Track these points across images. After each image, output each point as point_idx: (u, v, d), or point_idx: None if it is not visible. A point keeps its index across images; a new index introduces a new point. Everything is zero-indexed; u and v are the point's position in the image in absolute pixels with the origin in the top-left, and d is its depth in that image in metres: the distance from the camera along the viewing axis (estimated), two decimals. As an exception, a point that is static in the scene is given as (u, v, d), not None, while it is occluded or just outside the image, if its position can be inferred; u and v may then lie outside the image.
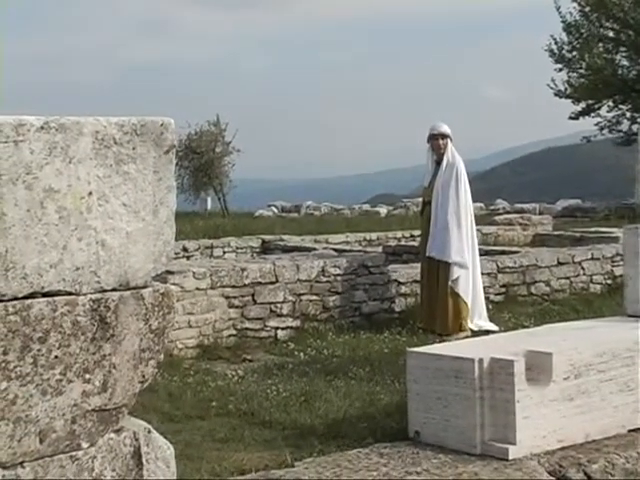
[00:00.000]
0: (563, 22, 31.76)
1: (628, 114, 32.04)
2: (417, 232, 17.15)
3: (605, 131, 32.77)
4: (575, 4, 31.46)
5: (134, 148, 2.39)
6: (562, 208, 26.21)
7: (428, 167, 9.05)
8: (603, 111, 32.11)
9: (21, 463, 2.25)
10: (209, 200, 28.06)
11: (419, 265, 10.39)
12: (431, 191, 8.90)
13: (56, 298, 2.27)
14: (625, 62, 31.83)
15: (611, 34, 31.49)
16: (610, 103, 31.89)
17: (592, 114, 32.18)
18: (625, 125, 32.19)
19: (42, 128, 2.23)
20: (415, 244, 13.82)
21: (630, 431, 4.50)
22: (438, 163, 8.90)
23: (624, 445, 4.28)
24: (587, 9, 31.22)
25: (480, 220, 22.04)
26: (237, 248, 14.97)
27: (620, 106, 31.99)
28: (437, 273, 8.86)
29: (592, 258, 11.22)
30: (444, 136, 8.85)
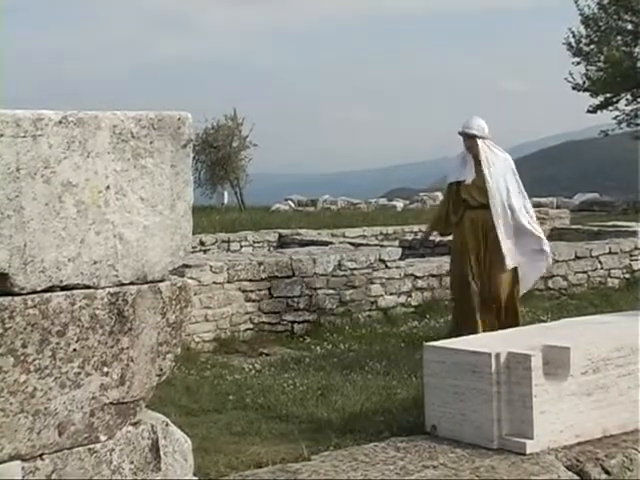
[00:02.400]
0: (581, 15, 31.60)
1: (646, 107, 31.86)
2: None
3: (623, 125, 32.57)
4: (593, -3, 31.29)
5: (151, 142, 2.40)
6: (580, 202, 26.10)
7: (465, 162, 7.93)
8: (621, 104, 31.95)
9: (40, 455, 2.26)
10: (226, 194, 28.12)
11: (436, 259, 10.38)
12: (480, 192, 7.75)
13: (74, 292, 2.28)
14: (643, 55, 31.63)
15: (629, 27, 31.28)
16: (628, 96, 31.70)
17: (610, 107, 31.99)
18: (643, 119, 32.01)
19: (60, 122, 2.24)
20: (432, 238, 13.78)
21: (648, 426, 4.47)
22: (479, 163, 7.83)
23: (642, 440, 4.26)
24: (605, 2, 31.03)
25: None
26: (254, 242, 15.00)
27: (638, 99, 31.78)
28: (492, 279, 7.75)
29: (610, 252, 11.16)
30: (470, 136, 7.83)
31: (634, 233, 11.77)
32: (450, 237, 8.51)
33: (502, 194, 7.67)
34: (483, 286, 7.73)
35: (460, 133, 7.90)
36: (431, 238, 10.61)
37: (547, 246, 7.87)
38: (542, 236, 7.85)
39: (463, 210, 7.89)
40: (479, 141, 7.77)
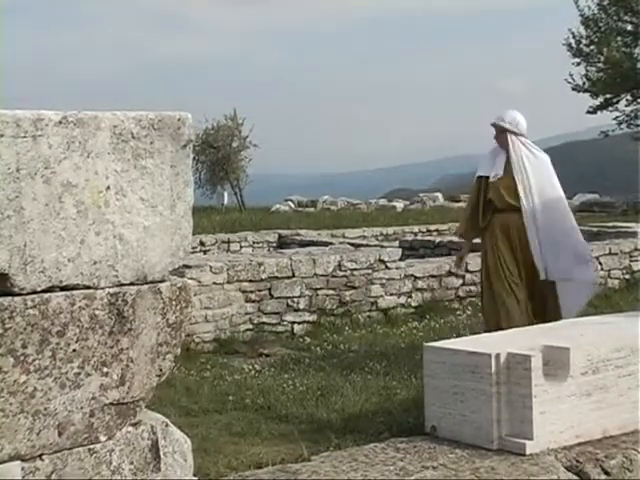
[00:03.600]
0: (581, 16, 31.60)
1: (646, 108, 31.87)
2: (433, 227, 17.21)
3: (623, 125, 32.58)
4: (593, -3, 31.31)
5: (152, 142, 2.40)
6: (580, 203, 26.10)
7: (494, 158, 6.97)
8: (621, 105, 31.97)
9: (40, 456, 2.26)
10: (226, 195, 28.13)
11: (436, 260, 10.37)
12: (500, 190, 6.83)
13: (74, 292, 2.28)
14: (643, 56, 31.65)
15: (629, 27, 31.29)
16: (628, 97, 31.71)
17: (610, 108, 32.00)
18: (643, 119, 32.04)
19: (60, 123, 2.24)
20: (431, 238, 13.81)
21: (648, 427, 4.47)
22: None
23: (642, 441, 4.26)
24: (605, 2, 31.03)
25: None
26: (254, 242, 15.00)
27: (638, 100, 31.80)
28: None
29: (610, 253, 11.17)
30: (503, 130, 6.90)
31: (634, 234, 11.78)
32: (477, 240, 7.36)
33: (535, 196, 6.66)
34: (526, 313, 6.59)
35: (492, 124, 6.99)
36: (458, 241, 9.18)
37: (592, 262, 6.85)
38: (587, 249, 6.91)
39: (491, 213, 6.89)
40: (510, 136, 6.84)
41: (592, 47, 31.57)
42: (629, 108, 31.98)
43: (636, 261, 11.15)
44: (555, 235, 6.61)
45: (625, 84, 30.63)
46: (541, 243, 6.58)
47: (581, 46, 31.81)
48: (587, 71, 31.88)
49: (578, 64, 31.87)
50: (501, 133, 6.86)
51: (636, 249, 11.16)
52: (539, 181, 6.70)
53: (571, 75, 32.00)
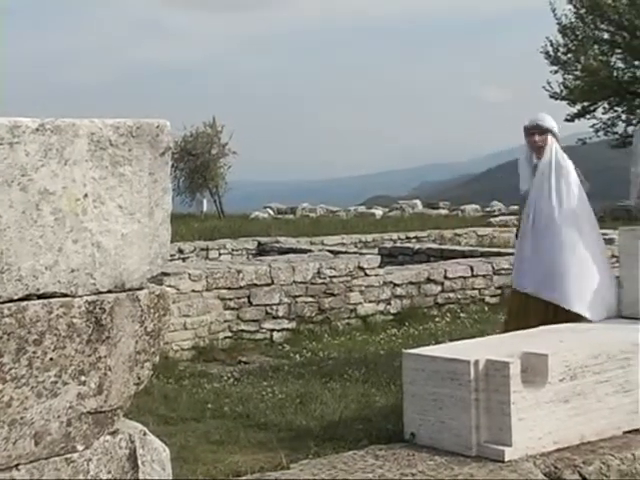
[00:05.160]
0: (559, 24, 31.84)
1: (623, 116, 32.14)
2: (412, 233, 17.25)
3: (600, 133, 32.85)
4: (570, 6, 31.56)
5: (130, 150, 2.39)
6: (557, 210, 26.21)
7: (526, 169, 6.56)
8: (598, 113, 32.25)
9: (16, 466, 2.24)
10: (205, 202, 28.08)
11: (415, 267, 10.38)
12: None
13: (51, 300, 2.27)
14: (620, 64, 31.94)
15: (606, 36, 31.57)
16: (605, 105, 31.99)
17: (587, 116, 32.26)
18: (620, 127, 32.30)
19: (37, 130, 2.23)
20: (410, 245, 13.85)
21: (626, 433, 4.50)
22: (536, 166, 6.44)
23: (619, 447, 4.29)
24: (582, 11, 31.28)
25: (475, 222, 22.17)
26: (233, 250, 14.98)
27: (615, 108, 32.08)
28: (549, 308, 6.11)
29: (587, 260, 11.21)
30: (543, 131, 6.44)
31: (611, 241, 11.84)
32: None
33: (544, 203, 6.23)
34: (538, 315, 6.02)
35: (530, 127, 6.47)
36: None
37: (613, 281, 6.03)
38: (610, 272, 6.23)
39: None
40: (552, 138, 6.41)
41: (569, 55, 31.82)
42: (606, 116, 32.28)
43: (614, 268, 11.21)
44: (544, 246, 6.17)
45: (602, 92, 30.89)
46: (529, 252, 6.25)
47: (559, 54, 32.05)
48: (565, 79, 32.13)
49: (556, 72, 32.12)
50: (540, 135, 6.42)
51: (613, 256, 11.22)
52: (558, 190, 6.23)
53: (549, 83, 32.27)
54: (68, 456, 2.32)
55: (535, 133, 6.44)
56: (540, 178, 6.31)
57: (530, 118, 6.56)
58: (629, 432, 4.51)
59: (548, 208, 6.19)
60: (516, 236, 6.80)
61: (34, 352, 2.23)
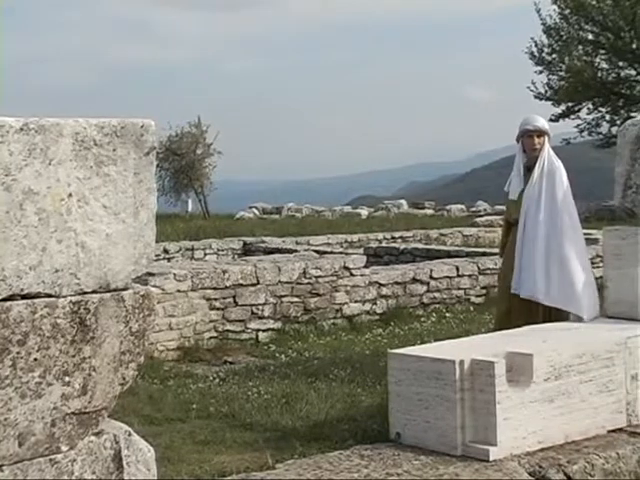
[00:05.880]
0: (543, 25, 31.97)
1: (607, 116, 32.30)
2: (397, 234, 17.27)
3: (585, 133, 32.99)
4: (555, 7, 31.69)
5: (114, 150, 2.38)
6: (542, 210, 26.30)
7: (519, 173, 6.49)
8: (583, 113, 32.39)
9: (0, 467, 2.23)
10: (190, 202, 28.03)
11: (400, 267, 10.40)
12: (520, 207, 6.33)
13: (35, 300, 2.26)
14: (604, 65, 32.10)
15: (590, 37, 31.72)
16: (590, 105, 32.13)
17: (572, 116, 32.40)
18: (604, 127, 32.46)
19: (21, 130, 2.22)
20: (396, 245, 13.87)
21: (610, 432, 4.52)
22: (529, 169, 6.41)
23: (604, 446, 4.31)
24: (567, 12, 31.42)
25: (461, 222, 22.21)
26: (218, 250, 14.96)
27: (599, 109, 32.23)
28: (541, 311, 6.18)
29: (572, 259, 11.24)
30: (542, 133, 6.44)
31: (596, 240, 11.89)
32: None
33: (535, 208, 6.22)
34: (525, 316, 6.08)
35: (527, 131, 6.46)
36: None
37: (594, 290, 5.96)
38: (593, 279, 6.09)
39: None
40: (546, 141, 6.44)
41: (554, 56, 31.95)
42: (590, 116, 32.43)
43: (598, 268, 11.26)
44: (547, 251, 6.13)
45: (586, 92, 31.03)
46: (523, 257, 6.21)
47: (543, 55, 32.18)
48: (549, 79, 32.27)
49: (540, 72, 32.25)
50: (538, 137, 6.43)
51: (598, 255, 11.27)
52: (549, 192, 6.24)
53: (533, 83, 32.40)
54: (52, 457, 2.31)
55: (535, 136, 6.44)
56: (533, 184, 6.28)
57: (528, 121, 6.54)
58: (613, 431, 4.53)
59: (540, 213, 6.19)
60: (506, 235, 6.78)
61: (18, 353, 2.22)
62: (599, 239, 12.07)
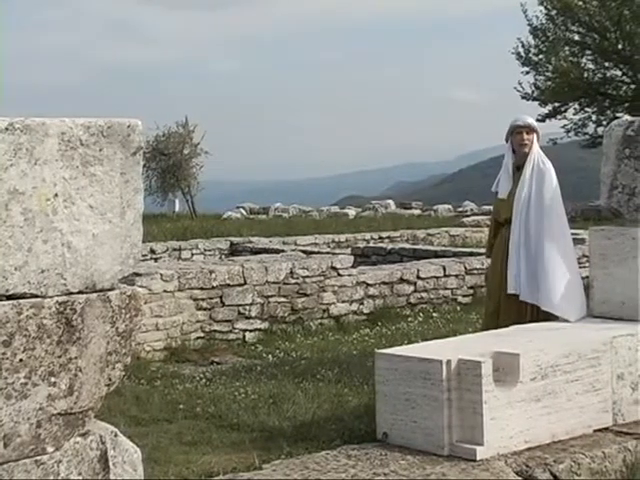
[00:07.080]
0: (530, 25, 32.06)
1: (594, 117, 32.43)
2: (385, 233, 17.29)
3: (571, 133, 33.11)
4: (542, 7, 31.79)
5: (101, 150, 2.38)
6: (529, 210, 26.36)
7: (508, 173, 6.44)
8: (569, 114, 32.50)
9: (-15, 468, 2.22)
10: (177, 202, 27.98)
11: (387, 267, 10.41)
12: (510, 206, 6.28)
13: (21, 301, 2.25)
14: (591, 65, 32.22)
15: (577, 37, 31.85)
16: (576, 106, 32.25)
17: (558, 117, 32.51)
18: (591, 128, 32.58)
19: (7, 129, 2.21)
20: (383, 245, 13.87)
21: (596, 431, 4.54)
22: (519, 168, 6.36)
23: (590, 445, 4.32)
24: (553, 13, 31.52)
25: (448, 222, 22.25)
26: (205, 250, 14.94)
27: (586, 109, 32.36)
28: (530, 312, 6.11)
29: (558, 259, 11.27)
30: (531, 130, 6.43)
31: (582, 241, 11.93)
32: None
33: (526, 208, 6.20)
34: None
35: (517, 127, 6.42)
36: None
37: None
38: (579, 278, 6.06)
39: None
40: (535, 139, 6.42)
41: (541, 56, 32.04)
42: (577, 117, 32.55)
43: (584, 267, 11.29)
44: (536, 252, 6.10)
45: (573, 93, 31.14)
46: (521, 257, 6.17)
47: (530, 55, 32.27)
48: (536, 80, 32.37)
49: (527, 73, 32.35)
50: (527, 134, 6.41)
51: (584, 255, 11.31)
52: (538, 193, 6.21)
53: (520, 84, 32.49)
54: (38, 458, 2.31)
55: (524, 132, 6.41)
56: (522, 184, 6.25)
57: (517, 118, 6.53)
58: (599, 430, 4.55)
59: (530, 214, 6.18)
60: (494, 236, 6.70)
61: (3, 353, 2.21)
62: (585, 239, 12.11)
